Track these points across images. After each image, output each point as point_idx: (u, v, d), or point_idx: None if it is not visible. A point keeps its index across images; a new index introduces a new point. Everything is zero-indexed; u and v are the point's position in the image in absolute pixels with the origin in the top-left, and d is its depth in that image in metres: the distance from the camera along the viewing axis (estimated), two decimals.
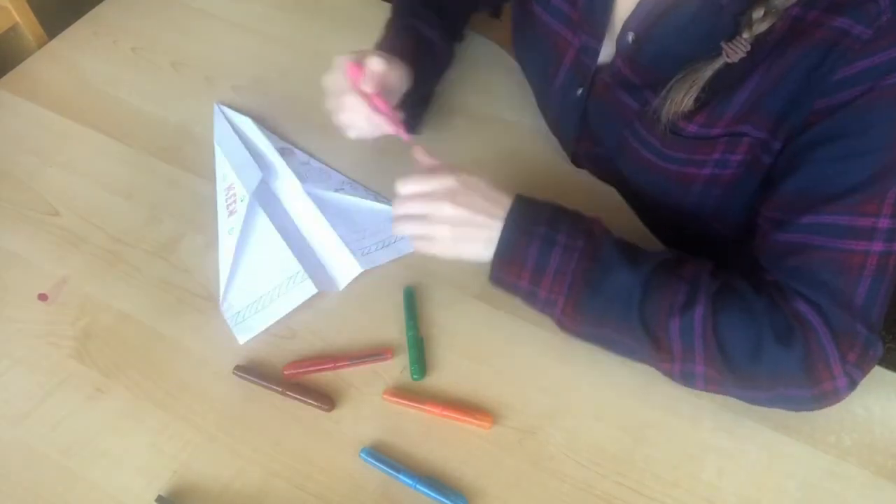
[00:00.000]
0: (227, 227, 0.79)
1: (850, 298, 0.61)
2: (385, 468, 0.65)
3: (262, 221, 0.80)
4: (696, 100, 0.65)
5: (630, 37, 0.71)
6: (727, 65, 0.62)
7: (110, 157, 0.89)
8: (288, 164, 0.85)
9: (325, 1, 1.08)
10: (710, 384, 0.65)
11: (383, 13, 1.00)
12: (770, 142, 0.66)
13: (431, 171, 0.70)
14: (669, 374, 0.67)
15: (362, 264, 0.77)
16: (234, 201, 0.80)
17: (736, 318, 0.62)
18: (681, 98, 0.65)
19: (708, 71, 0.63)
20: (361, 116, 0.75)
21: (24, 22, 1.07)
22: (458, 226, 0.67)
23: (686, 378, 0.66)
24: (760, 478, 0.66)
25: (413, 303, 0.76)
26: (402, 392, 0.70)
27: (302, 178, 0.84)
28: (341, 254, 0.78)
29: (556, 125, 0.88)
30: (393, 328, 0.75)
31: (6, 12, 1.06)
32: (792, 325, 0.61)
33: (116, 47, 1.02)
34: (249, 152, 0.85)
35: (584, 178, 0.87)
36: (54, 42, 1.03)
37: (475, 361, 0.73)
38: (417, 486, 0.64)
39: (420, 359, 0.72)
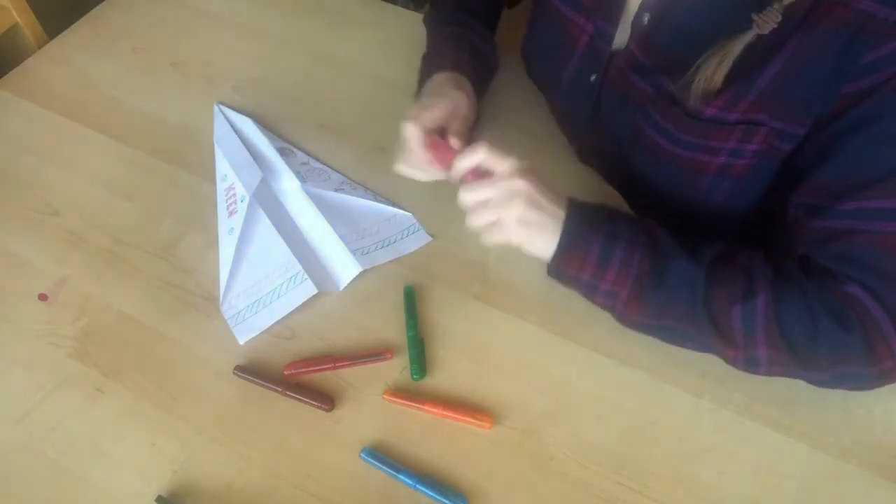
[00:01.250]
0: (228, 227, 0.79)
1: None
2: (385, 468, 0.65)
3: (262, 221, 0.80)
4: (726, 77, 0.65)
5: (646, 18, 0.71)
6: (758, 38, 0.61)
7: (110, 157, 0.89)
8: (288, 164, 0.85)
9: (326, 1, 1.08)
10: (773, 367, 0.67)
11: (383, 13, 1.00)
12: (790, 129, 0.65)
13: (494, 152, 0.68)
14: (734, 361, 0.68)
15: (362, 264, 0.77)
16: (234, 201, 0.80)
17: (794, 303, 0.64)
18: (712, 73, 0.64)
19: (739, 45, 0.62)
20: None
21: (24, 22, 1.07)
22: (531, 207, 0.67)
23: (749, 363, 0.67)
24: (760, 478, 0.66)
25: (413, 303, 0.76)
26: (402, 392, 0.70)
27: (302, 178, 0.84)
28: (341, 254, 0.78)
29: (566, 117, 0.87)
30: (393, 328, 0.75)
31: (6, 12, 1.06)
32: (845, 307, 0.62)
33: (116, 47, 1.02)
34: (249, 152, 0.85)
35: (586, 177, 0.87)
36: (54, 42, 1.03)
37: (475, 361, 0.73)
38: (417, 486, 0.64)
39: (420, 359, 0.72)
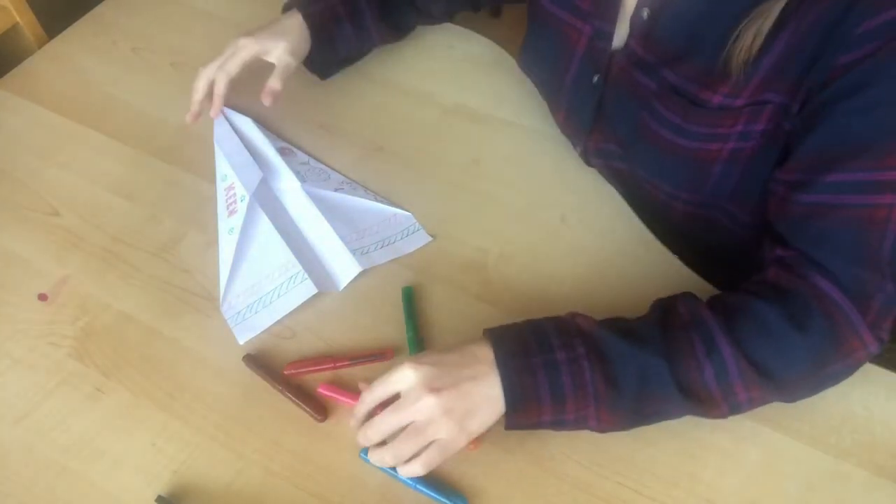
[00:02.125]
0: (228, 227, 0.79)
1: (876, 255, 0.61)
2: (385, 468, 0.65)
3: (262, 221, 0.80)
4: (722, 66, 0.64)
5: (645, 13, 0.71)
6: (762, 20, 0.61)
7: (110, 157, 0.89)
8: (288, 163, 0.85)
9: None
10: (754, 404, 0.64)
11: None
12: (791, 105, 0.65)
13: (383, 380, 0.62)
14: (721, 417, 0.65)
15: (361, 264, 0.77)
16: (234, 201, 0.80)
17: (757, 336, 0.62)
18: (750, 42, 0.63)
19: (776, 9, 0.61)
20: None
21: (24, 22, 1.07)
22: (451, 411, 0.59)
23: (734, 410, 0.64)
24: (760, 478, 0.66)
25: (412, 303, 0.76)
26: None
27: (302, 177, 0.84)
28: (340, 253, 0.78)
29: (569, 120, 0.87)
30: (393, 328, 0.75)
31: (6, 12, 1.06)
32: (809, 304, 0.61)
33: (116, 47, 1.02)
34: (249, 152, 0.85)
35: (588, 180, 0.87)
36: (54, 42, 1.03)
37: None
38: (417, 486, 0.64)
39: None
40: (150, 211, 0.84)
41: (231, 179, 0.82)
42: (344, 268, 0.78)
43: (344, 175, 0.87)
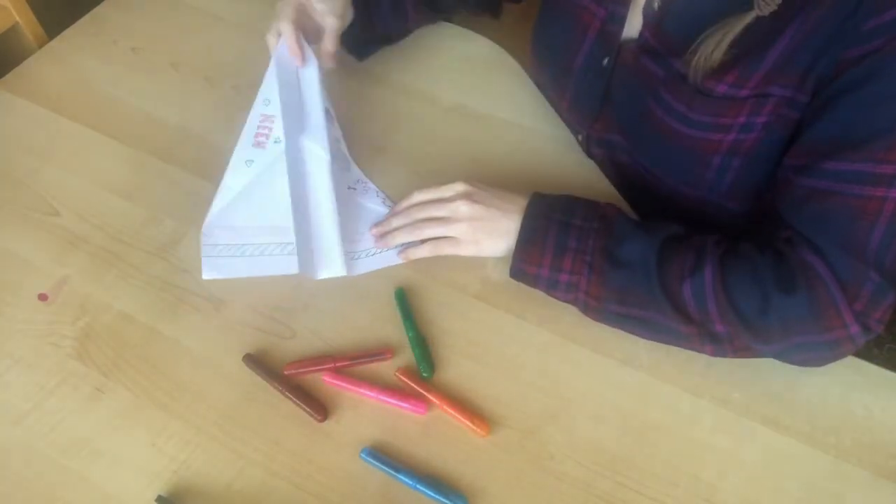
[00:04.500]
0: (247, 156, 0.75)
1: (864, 245, 0.63)
2: (385, 468, 0.65)
3: (282, 177, 0.76)
4: (727, 56, 0.65)
5: (656, 3, 0.72)
6: (759, 19, 0.63)
7: (110, 157, 0.89)
8: (328, 130, 0.79)
9: None
10: (736, 344, 0.67)
11: None
12: (797, 96, 0.66)
13: (435, 188, 0.77)
14: (699, 343, 0.69)
15: (348, 269, 0.76)
16: (267, 136, 0.76)
17: (741, 274, 0.65)
18: (710, 52, 0.65)
19: (739, 25, 0.63)
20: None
21: (24, 22, 1.07)
22: (476, 220, 0.72)
23: (714, 342, 0.68)
24: (760, 478, 0.66)
25: (406, 304, 0.76)
26: (412, 376, 0.71)
27: (332, 154, 0.79)
28: (333, 249, 0.77)
29: (575, 105, 0.87)
30: (393, 328, 0.75)
31: (6, 12, 1.06)
32: (795, 274, 0.64)
33: (116, 47, 1.02)
34: (300, 93, 0.79)
35: (588, 174, 0.87)
36: (54, 42, 1.03)
37: (475, 361, 0.73)
38: (417, 486, 0.64)
39: (427, 356, 0.72)
40: (150, 211, 0.84)
41: (274, 111, 0.77)
42: (330, 263, 0.76)
43: (362, 170, 0.86)
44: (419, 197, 0.77)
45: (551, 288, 0.72)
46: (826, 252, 0.63)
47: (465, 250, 0.74)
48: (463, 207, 0.73)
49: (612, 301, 0.69)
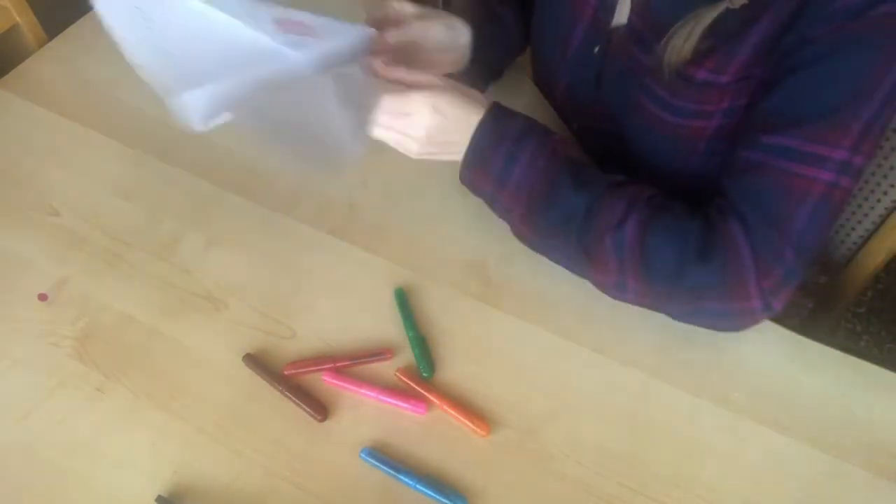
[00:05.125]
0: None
1: (788, 223, 0.64)
2: (385, 468, 0.65)
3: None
4: (703, 45, 0.65)
5: None
6: (731, 9, 0.62)
7: (110, 157, 0.89)
8: None
9: (328, 1, 1.08)
10: (639, 297, 0.70)
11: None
12: (768, 76, 0.66)
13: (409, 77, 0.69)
14: (603, 286, 0.72)
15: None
16: None
17: (663, 234, 0.67)
18: (682, 43, 0.66)
19: (709, 16, 0.63)
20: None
21: (24, 22, 1.07)
22: (432, 131, 0.69)
23: (619, 290, 0.71)
24: (760, 478, 0.66)
25: (406, 304, 0.76)
26: (412, 376, 0.70)
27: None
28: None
29: (570, 93, 0.87)
30: (393, 328, 0.75)
31: (6, 12, 1.06)
32: (716, 242, 0.65)
33: (116, 47, 1.02)
34: None
35: None
36: (54, 42, 1.03)
37: (475, 362, 0.73)
38: (417, 486, 0.64)
39: (427, 356, 0.72)
40: (150, 211, 0.84)
41: None
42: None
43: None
44: (393, 75, 0.69)
45: (492, 202, 0.74)
46: (751, 224, 0.65)
47: (411, 153, 0.71)
48: (423, 118, 0.68)
49: (538, 235, 0.73)
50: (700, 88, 0.69)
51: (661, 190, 0.79)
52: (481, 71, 0.86)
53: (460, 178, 0.74)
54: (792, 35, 0.63)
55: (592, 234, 0.68)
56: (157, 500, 0.64)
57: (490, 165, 0.70)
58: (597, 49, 0.79)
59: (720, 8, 0.63)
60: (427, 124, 0.68)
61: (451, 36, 0.78)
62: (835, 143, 0.62)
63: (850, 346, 0.74)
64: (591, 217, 0.68)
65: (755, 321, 0.69)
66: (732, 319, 0.69)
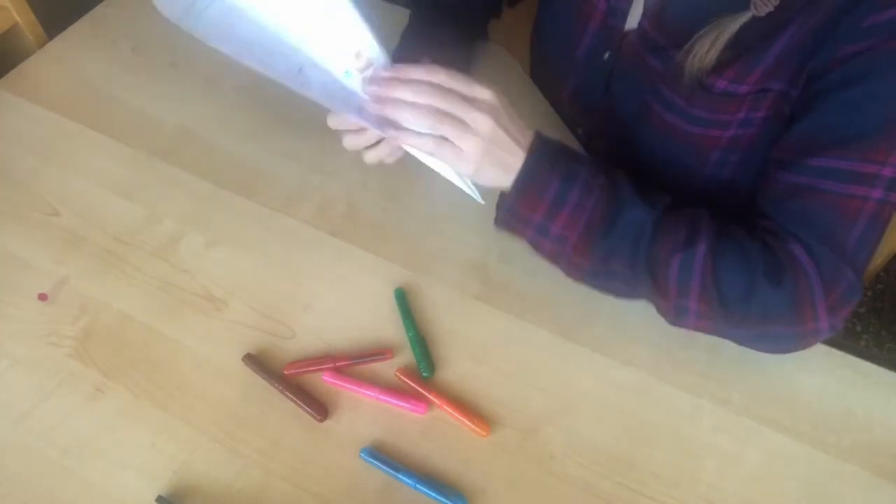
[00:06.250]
0: None
1: (843, 242, 0.63)
2: (385, 468, 0.65)
3: None
4: (724, 54, 0.65)
5: None
6: (756, 18, 0.62)
7: (110, 157, 0.89)
8: None
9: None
10: (700, 320, 0.68)
11: (386, 13, 1.00)
12: (790, 91, 0.66)
13: (467, 80, 0.63)
14: (664, 311, 0.69)
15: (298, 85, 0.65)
16: None
17: (732, 258, 0.65)
18: (705, 52, 0.65)
19: (734, 25, 0.63)
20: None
21: (24, 22, 1.07)
22: (491, 144, 0.63)
23: (679, 313, 0.68)
24: (760, 478, 0.66)
25: (406, 304, 0.76)
26: (412, 376, 0.70)
27: None
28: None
29: (576, 98, 0.87)
30: (393, 328, 0.75)
31: (6, 12, 1.06)
32: (784, 265, 0.64)
33: (116, 47, 1.02)
34: None
35: None
36: (54, 42, 1.03)
37: (475, 362, 0.73)
38: (417, 486, 0.64)
39: (426, 356, 0.72)
40: (150, 211, 0.84)
41: None
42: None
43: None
44: (442, 79, 0.63)
45: (540, 234, 0.68)
46: (810, 246, 0.64)
47: (465, 168, 0.64)
48: (486, 124, 0.62)
49: (595, 259, 0.68)
50: (718, 98, 0.69)
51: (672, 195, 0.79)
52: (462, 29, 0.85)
53: (502, 211, 0.68)
54: (822, 54, 0.62)
55: (660, 253, 0.65)
56: (157, 500, 0.64)
57: (546, 187, 0.65)
58: (606, 55, 0.79)
59: (745, 17, 0.62)
60: (487, 136, 0.62)
61: None
62: (882, 161, 0.61)
63: (850, 346, 0.74)
64: (658, 234, 0.66)
65: (817, 342, 0.67)
66: (798, 341, 0.67)
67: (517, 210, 0.67)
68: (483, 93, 0.63)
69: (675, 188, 0.78)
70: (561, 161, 0.66)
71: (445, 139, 0.63)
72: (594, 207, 0.66)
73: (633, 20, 0.76)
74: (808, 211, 0.64)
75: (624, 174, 0.69)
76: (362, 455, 0.66)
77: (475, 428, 0.68)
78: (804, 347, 0.68)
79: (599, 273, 0.69)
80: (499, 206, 0.68)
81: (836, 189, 0.62)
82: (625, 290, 0.71)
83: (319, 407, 0.69)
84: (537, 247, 0.70)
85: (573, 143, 0.90)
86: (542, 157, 0.65)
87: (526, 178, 0.65)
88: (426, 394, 0.69)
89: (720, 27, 0.64)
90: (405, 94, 0.62)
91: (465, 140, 0.62)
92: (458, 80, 0.63)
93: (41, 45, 1.04)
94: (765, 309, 0.64)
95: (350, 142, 0.70)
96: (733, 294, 0.64)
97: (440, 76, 0.63)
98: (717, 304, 0.65)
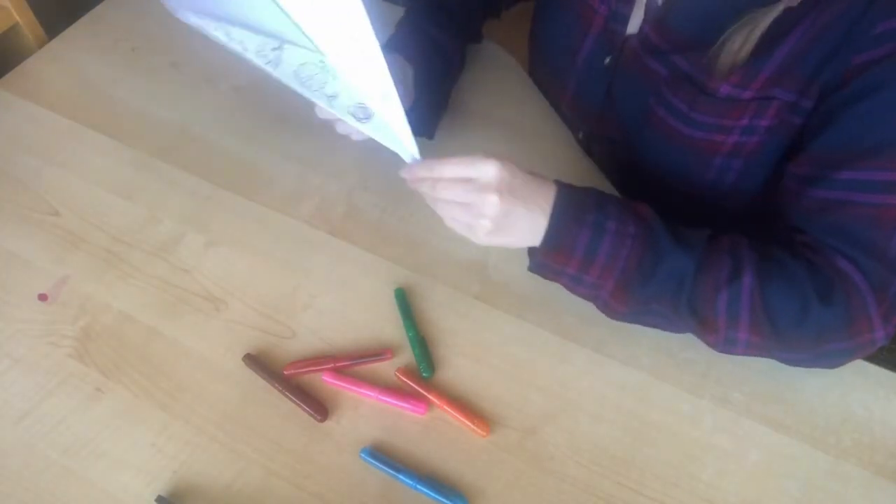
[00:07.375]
0: None
1: (885, 251, 0.63)
2: (385, 468, 0.65)
3: None
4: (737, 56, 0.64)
5: None
6: (786, 10, 0.61)
7: (110, 157, 0.89)
8: None
9: None
10: (750, 349, 0.67)
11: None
12: (800, 101, 0.66)
13: (468, 161, 0.64)
14: (713, 345, 0.68)
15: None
16: None
17: (780, 285, 0.64)
18: (738, 48, 0.64)
19: (767, 18, 0.62)
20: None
21: (24, 22, 1.07)
22: (501, 218, 0.63)
23: (728, 345, 0.67)
24: (760, 478, 0.66)
25: (406, 304, 0.76)
26: (412, 376, 0.70)
27: None
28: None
29: (577, 102, 0.87)
30: (393, 328, 0.75)
31: (6, 12, 1.06)
32: (833, 281, 0.63)
33: (116, 47, 1.02)
34: None
35: (587, 175, 0.87)
36: (54, 42, 1.03)
37: (475, 361, 0.73)
38: (417, 486, 0.64)
39: (426, 356, 0.72)
40: (150, 211, 0.84)
41: None
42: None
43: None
44: (447, 171, 0.64)
45: (574, 283, 0.68)
46: (854, 258, 0.63)
47: (479, 240, 0.66)
48: (491, 203, 0.62)
49: (632, 310, 0.68)
50: (721, 102, 0.69)
51: (673, 201, 0.79)
52: (430, 105, 0.83)
53: (532, 266, 0.68)
54: (834, 65, 0.62)
55: (705, 292, 0.64)
56: (157, 500, 0.64)
57: (574, 244, 0.64)
58: (608, 60, 0.79)
59: (777, 10, 0.61)
60: (494, 213, 0.62)
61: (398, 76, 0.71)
62: None
63: None
64: (700, 275, 0.64)
65: (875, 349, 0.66)
66: (855, 354, 0.66)
67: (548, 264, 0.67)
68: (486, 171, 0.62)
69: (677, 192, 0.78)
70: (587, 214, 0.65)
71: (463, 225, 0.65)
72: (628, 257, 0.65)
73: (634, 25, 0.76)
74: (845, 224, 0.64)
75: (655, 216, 0.67)
76: (362, 455, 0.66)
77: (475, 428, 0.68)
78: (860, 357, 0.67)
79: (639, 314, 0.69)
80: (531, 256, 0.68)
81: (872, 200, 0.62)
82: (666, 325, 0.70)
83: (319, 407, 0.69)
84: (573, 291, 0.70)
85: (573, 144, 0.90)
86: (565, 214, 0.64)
87: (552, 240, 0.65)
88: (426, 394, 0.69)
89: (752, 22, 0.63)
90: (420, 186, 0.66)
91: (476, 223, 0.64)
92: (461, 166, 0.63)
93: (41, 45, 1.04)
94: (819, 329, 0.63)
95: (342, 128, 0.74)
96: (786, 321, 0.64)
97: (443, 170, 0.64)
98: (769, 333, 0.64)
